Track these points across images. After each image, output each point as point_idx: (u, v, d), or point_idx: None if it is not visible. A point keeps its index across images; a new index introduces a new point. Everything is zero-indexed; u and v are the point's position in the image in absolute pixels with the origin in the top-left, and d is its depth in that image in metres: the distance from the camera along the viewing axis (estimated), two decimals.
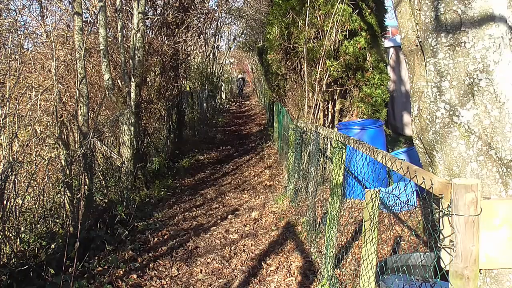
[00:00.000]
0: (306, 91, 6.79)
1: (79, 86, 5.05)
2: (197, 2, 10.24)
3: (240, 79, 32.89)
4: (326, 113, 7.21)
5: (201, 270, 4.27)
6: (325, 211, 4.77)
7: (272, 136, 11.95)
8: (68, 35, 6.75)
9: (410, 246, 4.31)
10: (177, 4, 8.92)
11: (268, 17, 7.69)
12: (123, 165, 6.60)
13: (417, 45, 2.10)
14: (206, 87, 16.47)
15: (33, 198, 4.46)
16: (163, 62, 8.53)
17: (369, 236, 2.65)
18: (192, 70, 14.54)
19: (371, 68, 6.87)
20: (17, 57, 4.60)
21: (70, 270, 3.76)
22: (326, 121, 7.20)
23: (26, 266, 3.61)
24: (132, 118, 6.98)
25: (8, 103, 4.16)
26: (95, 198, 5.51)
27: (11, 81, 4.32)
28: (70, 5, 6.67)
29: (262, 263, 4.33)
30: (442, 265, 1.68)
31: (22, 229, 4.17)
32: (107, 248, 4.55)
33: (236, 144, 12.42)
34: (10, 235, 3.92)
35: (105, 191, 6.00)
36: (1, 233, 3.74)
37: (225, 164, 9.72)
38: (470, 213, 1.56)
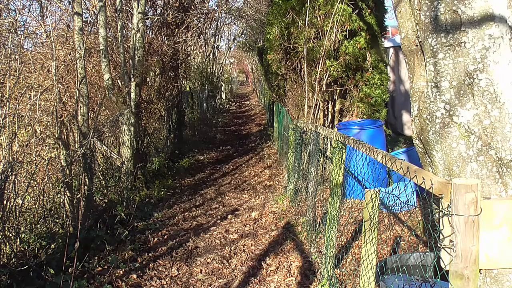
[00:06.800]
0: (306, 91, 6.79)
1: (79, 86, 5.05)
2: (197, 2, 10.24)
3: None
4: (326, 113, 7.21)
5: (201, 270, 4.27)
6: (325, 211, 4.77)
7: (272, 136, 11.95)
8: (68, 35, 6.75)
9: (410, 246, 4.31)
10: (177, 4, 8.91)
11: (268, 17, 7.68)
12: (123, 165, 6.60)
13: (417, 45, 2.10)
14: (206, 87, 16.47)
15: (33, 198, 4.46)
16: (163, 62, 8.53)
17: (369, 236, 2.65)
18: (192, 70, 14.54)
19: (371, 68, 6.87)
20: (17, 57, 4.60)
21: (70, 270, 3.76)
22: (326, 121, 7.20)
23: (26, 266, 3.61)
24: (132, 118, 6.98)
25: (8, 103, 4.16)
26: (95, 198, 5.51)
27: (11, 81, 4.31)
28: (70, 5, 6.67)
29: (262, 263, 4.33)
30: (442, 265, 1.68)
31: (22, 229, 4.17)
32: (107, 248, 4.55)
33: (236, 144, 12.42)
34: (10, 235, 3.92)
35: (105, 191, 6.00)
36: (1, 233, 3.74)
37: (225, 164, 9.73)
38: (470, 213, 1.56)
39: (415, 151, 2.26)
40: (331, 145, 6.05)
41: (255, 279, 4.01)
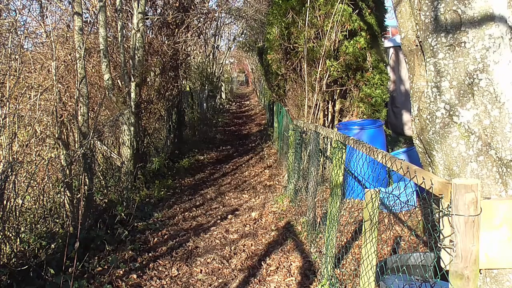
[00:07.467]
0: (306, 91, 6.79)
1: (79, 86, 5.04)
2: (197, 2, 10.24)
3: None
4: (326, 113, 7.21)
5: (201, 270, 4.27)
6: (325, 211, 4.77)
7: (272, 136, 11.95)
8: (68, 35, 6.75)
9: (410, 246, 4.31)
10: (177, 4, 8.91)
11: (268, 17, 7.68)
12: (123, 165, 6.60)
13: (417, 45, 2.10)
14: (206, 87, 16.47)
15: (33, 198, 4.46)
16: (163, 62, 8.53)
17: (369, 236, 2.65)
18: (192, 70, 14.54)
19: (371, 68, 6.87)
20: (17, 57, 4.60)
21: (70, 270, 3.76)
22: (326, 121, 7.20)
23: (26, 266, 3.61)
24: (132, 118, 6.98)
25: (8, 103, 4.16)
26: (95, 198, 5.51)
27: (11, 81, 4.31)
28: (70, 5, 6.68)
29: (262, 263, 4.33)
30: (442, 265, 1.68)
31: (22, 229, 4.17)
32: (107, 248, 4.55)
33: (236, 144, 12.42)
34: (10, 235, 3.92)
35: (105, 191, 6.00)
36: (1, 233, 3.74)
37: (225, 164, 9.73)
38: (470, 213, 1.56)
39: (415, 151, 2.26)
40: (331, 145, 6.05)
41: (255, 279, 4.01)
